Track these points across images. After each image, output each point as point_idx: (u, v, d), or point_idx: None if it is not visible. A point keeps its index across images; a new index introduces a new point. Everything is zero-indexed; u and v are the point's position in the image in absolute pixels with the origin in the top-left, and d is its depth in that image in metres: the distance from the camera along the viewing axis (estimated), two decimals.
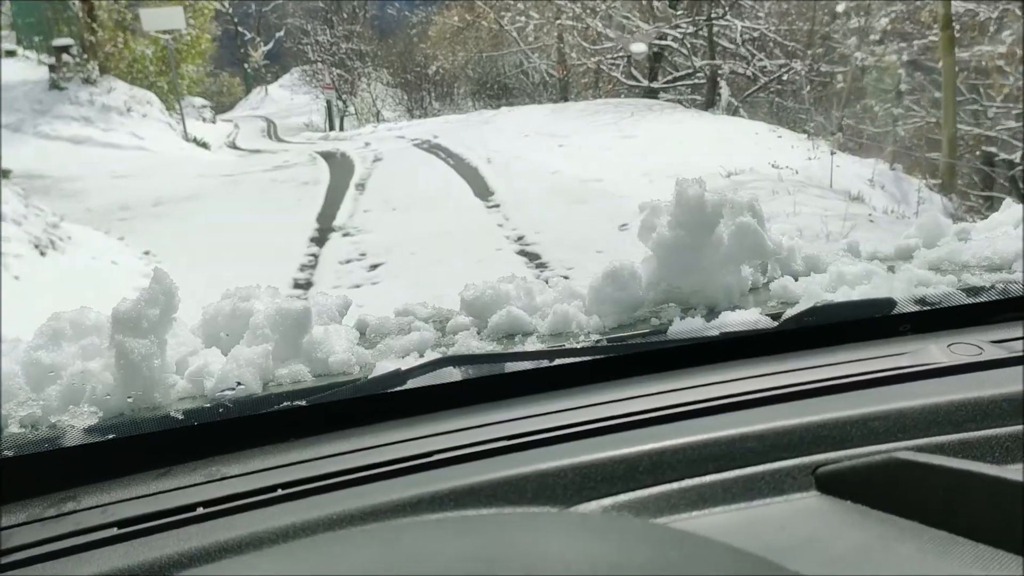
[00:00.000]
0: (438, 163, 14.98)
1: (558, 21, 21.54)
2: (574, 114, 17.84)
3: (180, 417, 0.99)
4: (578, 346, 1.16)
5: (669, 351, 1.13)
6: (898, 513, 0.74)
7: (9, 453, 0.93)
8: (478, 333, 1.27)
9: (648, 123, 15.41)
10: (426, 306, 1.41)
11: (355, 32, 33.88)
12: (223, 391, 1.04)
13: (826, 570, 0.68)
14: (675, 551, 0.53)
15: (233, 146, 27.95)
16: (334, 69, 31.92)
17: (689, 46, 19.42)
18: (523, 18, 26.17)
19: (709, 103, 18.50)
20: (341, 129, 32.49)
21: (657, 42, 18.96)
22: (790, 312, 1.18)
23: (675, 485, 0.83)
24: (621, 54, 21.32)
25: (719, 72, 18.27)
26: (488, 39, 35.27)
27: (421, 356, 1.14)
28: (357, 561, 0.54)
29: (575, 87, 29.32)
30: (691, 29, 18.48)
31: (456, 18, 35.60)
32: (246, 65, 48.12)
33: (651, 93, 21.97)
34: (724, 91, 18.89)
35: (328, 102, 32.88)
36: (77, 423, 0.97)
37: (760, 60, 18.67)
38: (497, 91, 35.12)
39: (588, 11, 20.80)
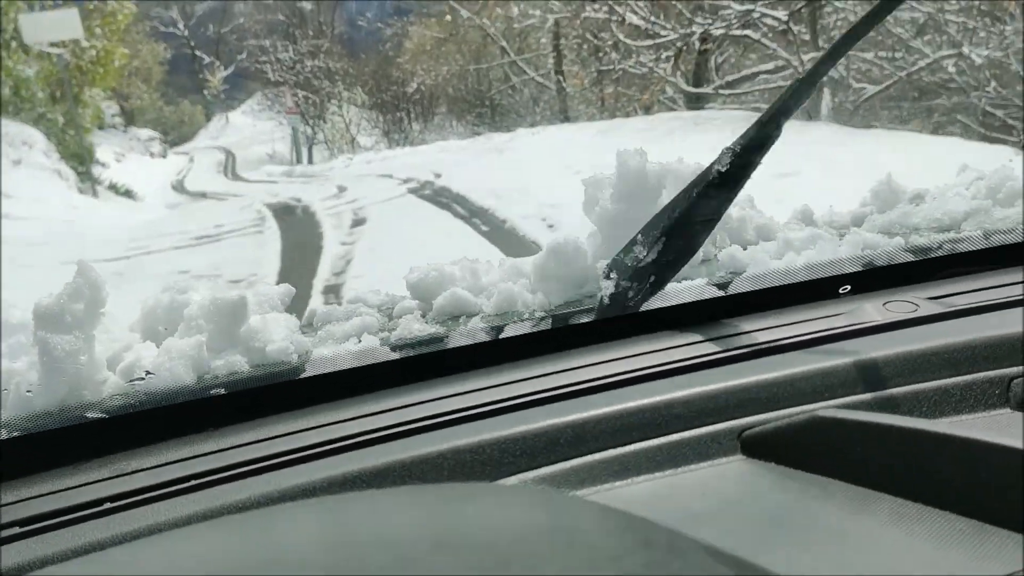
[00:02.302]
0: (459, 229, 9.51)
1: (584, 15, 14.25)
2: (634, 136, 10.96)
3: (91, 411, 0.96)
4: (517, 322, 1.12)
5: (610, 322, 1.10)
6: (822, 472, 0.73)
7: None
8: (423, 316, 1.22)
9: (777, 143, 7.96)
10: (378, 293, 1.34)
11: (322, 48, 26.26)
12: (131, 381, 1.01)
13: (751, 533, 0.66)
14: (588, 521, 0.51)
15: (180, 187, 24.02)
16: (299, 91, 24.22)
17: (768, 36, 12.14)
18: (518, 21, 18.75)
19: (810, 111, 13.08)
20: (309, 161, 25.92)
21: (737, 32, 11.63)
22: (735, 280, 1.15)
23: (597, 456, 0.82)
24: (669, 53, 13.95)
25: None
26: (471, 52, 31.20)
27: (359, 340, 1.11)
28: (268, 540, 0.51)
29: (580, 101, 25.45)
30: (784, 15, 11.33)
31: (436, 28, 31.15)
32: (205, 91, 40.68)
33: (696, 103, 17.44)
34: (826, 95, 13.89)
35: (293, 129, 29.39)
36: None
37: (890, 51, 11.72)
38: (488, 109, 31.15)
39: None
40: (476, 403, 0.92)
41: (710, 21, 13.93)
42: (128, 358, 1.08)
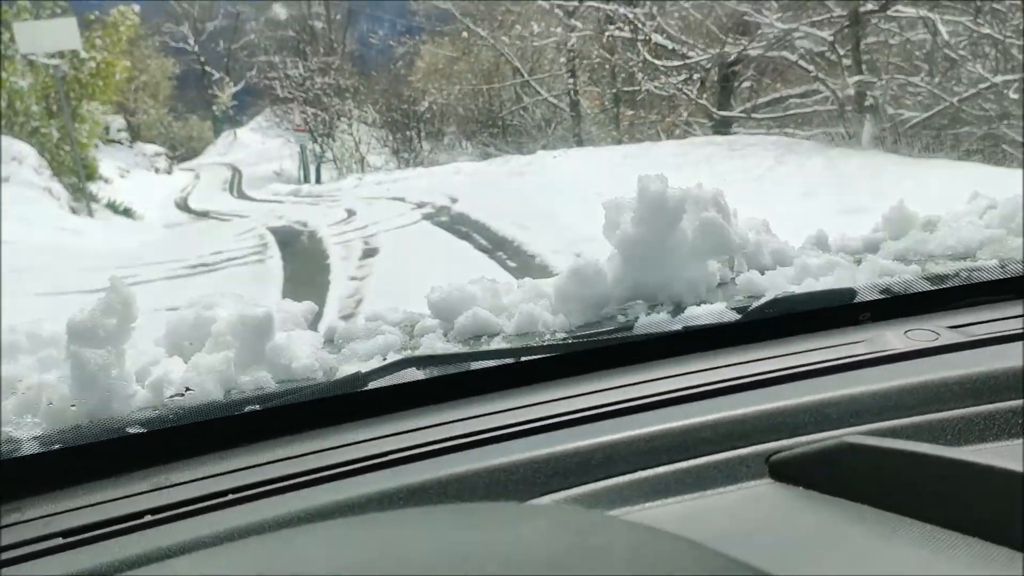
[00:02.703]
0: (482, 263, 8.25)
1: (607, 33, 13.17)
2: (667, 161, 10.42)
3: (129, 425, 0.98)
4: (541, 344, 1.14)
5: (633, 346, 1.12)
6: (849, 497, 0.74)
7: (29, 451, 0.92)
8: (444, 335, 1.25)
9: (825, 174, 9.58)
10: (396, 311, 1.37)
11: (332, 65, 25.20)
12: (172, 397, 1.03)
13: (779, 556, 0.67)
14: (623, 540, 0.52)
15: (183, 205, 23.15)
16: (307, 108, 22.96)
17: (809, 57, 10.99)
18: (533, 41, 17.77)
19: (851, 136, 12.88)
20: (317, 180, 28.81)
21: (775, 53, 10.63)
22: (755, 305, 1.17)
23: (627, 477, 0.83)
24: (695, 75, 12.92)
25: (869, 92, 9.87)
26: (483, 71, 30.16)
27: (384, 359, 1.13)
28: (306, 558, 0.53)
29: (593, 123, 24.54)
30: (829, 34, 10.21)
31: (449, 47, 30.69)
32: (214, 107, 39.86)
33: (720, 127, 16.18)
34: (868, 122, 12.78)
35: (301, 147, 28.26)
36: (23, 435, 0.95)
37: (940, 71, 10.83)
38: (500, 130, 30.19)
39: (648, 17, 12.51)
40: (506, 423, 0.93)
41: (747, 41, 12.85)
42: (156, 372, 1.10)
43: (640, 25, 15.49)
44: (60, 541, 0.79)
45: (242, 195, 24.97)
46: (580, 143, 24.04)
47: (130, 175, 29.85)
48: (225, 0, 45.59)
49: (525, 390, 1.02)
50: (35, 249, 10.12)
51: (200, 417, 0.98)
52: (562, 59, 20.36)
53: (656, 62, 14.95)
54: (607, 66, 18.33)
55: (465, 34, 22.35)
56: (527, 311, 1.23)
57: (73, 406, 0.99)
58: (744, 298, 1.24)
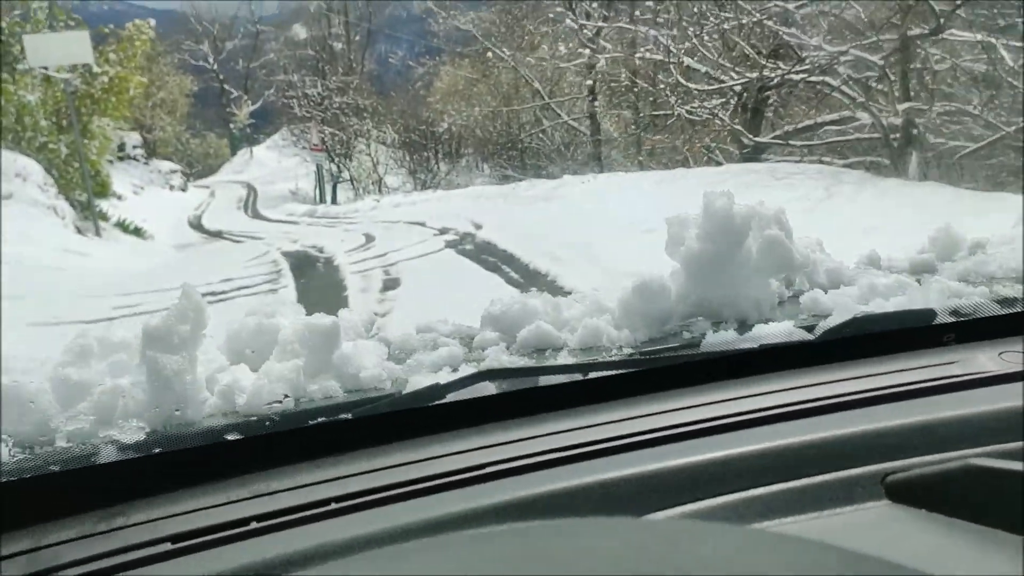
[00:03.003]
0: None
1: (637, 55, 12.34)
2: (703, 189, 7.88)
3: (223, 432, 0.98)
4: (615, 359, 1.15)
5: (706, 363, 1.12)
6: (973, 520, 0.72)
7: (55, 468, 0.91)
8: (507, 348, 1.24)
9: (883, 207, 8.43)
10: (446, 322, 1.38)
11: (351, 85, 24.52)
12: (269, 404, 1.03)
13: None
14: (778, 554, 0.51)
15: (197, 224, 22.56)
16: (325, 127, 22.24)
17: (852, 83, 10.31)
18: (557, 62, 17.20)
19: (896, 166, 11.66)
20: (333, 201, 28.54)
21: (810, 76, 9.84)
22: (826, 324, 1.16)
23: (740, 495, 0.82)
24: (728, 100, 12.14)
25: (917, 120, 9.08)
26: (502, 93, 29.68)
27: (454, 371, 1.13)
28: (434, 572, 0.53)
29: (612, 146, 23.83)
30: (879, 58, 9.37)
31: (469, 68, 30.33)
32: (232, 125, 39.46)
33: (752, 153, 15.10)
34: (915, 150, 11.72)
35: (318, 166, 27.51)
36: (123, 438, 0.96)
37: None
38: (518, 153, 29.57)
39: (680, 39, 11.76)
40: (603, 437, 0.93)
41: (788, 65, 12.07)
42: (225, 379, 1.09)
43: (672, 48, 14.72)
44: (169, 547, 0.79)
45: (257, 214, 24.36)
46: (600, 168, 23.38)
47: (144, 192, 29.31)
48: (245, 19, 45.27)
49: (608, 405, 1.01)
50: (35, 272, 9.39)
51: (290, 425, 0.98)
52: (588, 81, 19.61)
53: (690, 85, 14.16)
54: (635, 89, 17.57)
55: (490, 53, 21.66)
56: (592, 325, 1.23)
57: (140, 412, 1.00)
58: (809, 317, 1.24)
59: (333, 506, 0.83)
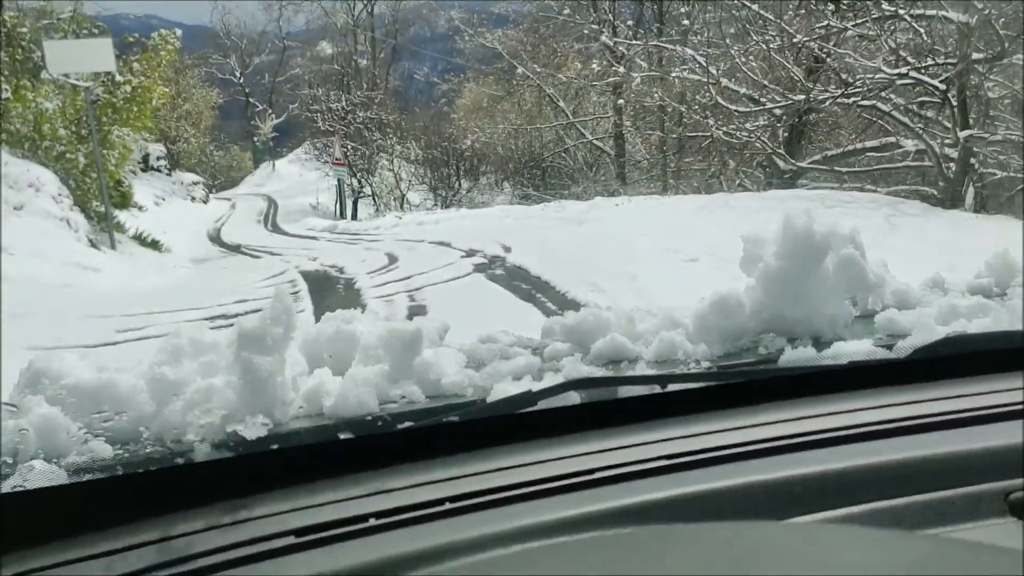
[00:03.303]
0: None
1: (673, 74, 11.57)
2: (749, 216, 10.02)
3: (336, 430, 1.01)
4: (695, 372, 1.17)
5: (791, 378, 1.13)
6: None
7: (180, 461, 0.96)
8: (582, 359, 1.25)
9: (957, 242, 7.60)
10: (507, 333, 1.40)
11: (375, 99, 23.90)
12: (384, 404, 1.07)
13: None
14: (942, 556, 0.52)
15: (216, 237, 22.13)
16: (348, 142, 21.69)
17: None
18: (589, 80, 16.74)
19: (953, 196, 11.03)
20: (354, 216, 24.14)
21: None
22: (908, 343, 1.17)
23: (866, 506, 0.83)
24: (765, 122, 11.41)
25: (973, 150, 8.46)
26: (525, 111, 29.21)
27: (535, 379, 1.14)
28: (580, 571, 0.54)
29: (637, 167, 23.43)
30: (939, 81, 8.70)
31: (494, 86, 29.84)
32: (255, 138, 39.27)
33: (791, 179, 14.52)
34: (971, 179, 11.64)
35: (339, 181, 26.95)
36: (249, 434, 0.98)
37: None
38: (540, 171, 28.87)
39: (718, 59, 11.06)
40: (714, 444, 0.94)
41: (839, 88, 11.36)
42: (310, 383, 1.12)
43: (711, 68, 14.03)
44: (293, 540, 0.80)
45: (276, 228, 23.85)
46: (625, 189, 22.79)
47: (166, 203, 28.91)
48: (273, 34, 45.18)
49: (701, 416, 1.02)
50: (42, 290, 8.77)
51: (402, 426, 1.00)
52: (619, 100, 18.95)
53: (731, 107, 13.46)
54: (667, 109, 16.88)
55: (520, 70, 21.10)
56: (667, 339, 1.24)
57: (251, 407, 1.02)
58: (885, 337, 1.24)
59: (448, 506, 0.84)
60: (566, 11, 23.18)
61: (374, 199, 27.08)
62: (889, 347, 1.16)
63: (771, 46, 12.79)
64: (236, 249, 17.85)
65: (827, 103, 12.19)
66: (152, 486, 0.91)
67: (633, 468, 0.89)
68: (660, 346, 1.23)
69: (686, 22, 15.39)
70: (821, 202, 10.78)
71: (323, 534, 0.80)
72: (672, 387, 1.09)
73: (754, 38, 13.98)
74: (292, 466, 0.93)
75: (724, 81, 14.14)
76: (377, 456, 0.93)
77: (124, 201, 22.61)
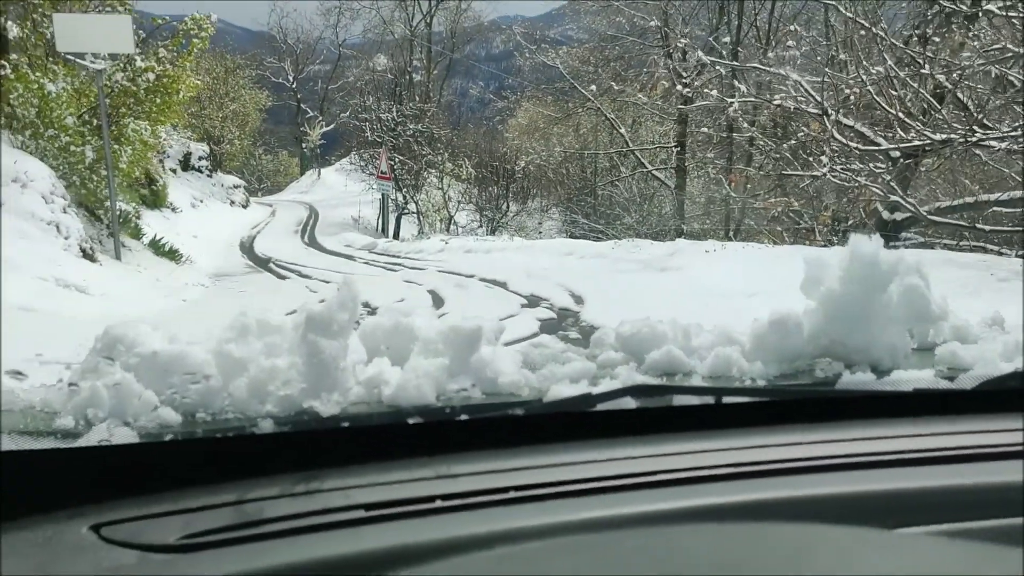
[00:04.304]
0: None
1: (776, 102, 8.62)
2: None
3: (406, 415, 1.04)
4: (757, 387, 1.18)
5: (851, 401, 1.13)
6: None
7: (254, 430, 0.98)
8: (636, 368, 1.25)
9: None
10: (556, 340, 1.47)
11: (427, 112, 21.39)
12: (459, 391, 1.11)
13: None
14: None
15: (247, 248, 19.93)
16: (396, 155, 19.02)
17: None
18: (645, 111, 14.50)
19: None
20: (396, 235, 22.57)
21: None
22: (974, 375, 1.16)
23: (976, 524, 0.84)
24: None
25: None
26: (579, 135, 27.26)
27: (592, 384, 1.15)
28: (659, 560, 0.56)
29: (700, 207, 20.49)
30: None
31: (552, 107, 26.90)
32: (303, 145, 37.47)
33: (893, 230, 11.80)
34: None
35: (384, 196, 24.28)
36: (324, 410, 1.02)
37: None
38: (592, 200, 26.14)
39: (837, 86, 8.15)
40: (778, 457, 0.95)
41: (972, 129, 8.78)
42: (370, 371, 1.13)
43: (819, 97, 11.47)
44: (362, 513, 0.82)
45: (313, 241, 21.79)
46: (682, 232, 20.19)
47: (203, 205, 26.84)
48: (330, 41, 43.55)
49: (776, 429, 1.02)
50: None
51: (471, 415, 1.02)
52: (695, 129, 16.50)
53: (848, 143, 10.91)
54: (753, 142, 14.38)
55: (593, 87, 18.74)
56: (723, 355, 1.23)
57: (314, 389, 1.04)
58: (946, 369, 1.23)
59: (512, 494, 0.85)
60: (641, 29, 20.91)
61: (418, 217, 24.90)
62: (951, 379, 1.16)
63: (891, 76, 10.25)
64: (265, 264, 15.77)
65: (960, 144, 9.58)
66: (227, 452, 0.94)
67: (696, 473, 0.90)
68: (715, 361, 1.23)
69: (792, 44, 12.84)
70: (986, 270, 8.18)
71: (392, 510, 0.82)
72: (730, 399, 1.10)
73: (871, 68, 11.40)
74: (362, 444, 0.95)
75: (834, 114, 11.53)
76: (442, 442, 0.96)
77: (157, 201, 20.64)
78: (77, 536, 0.77)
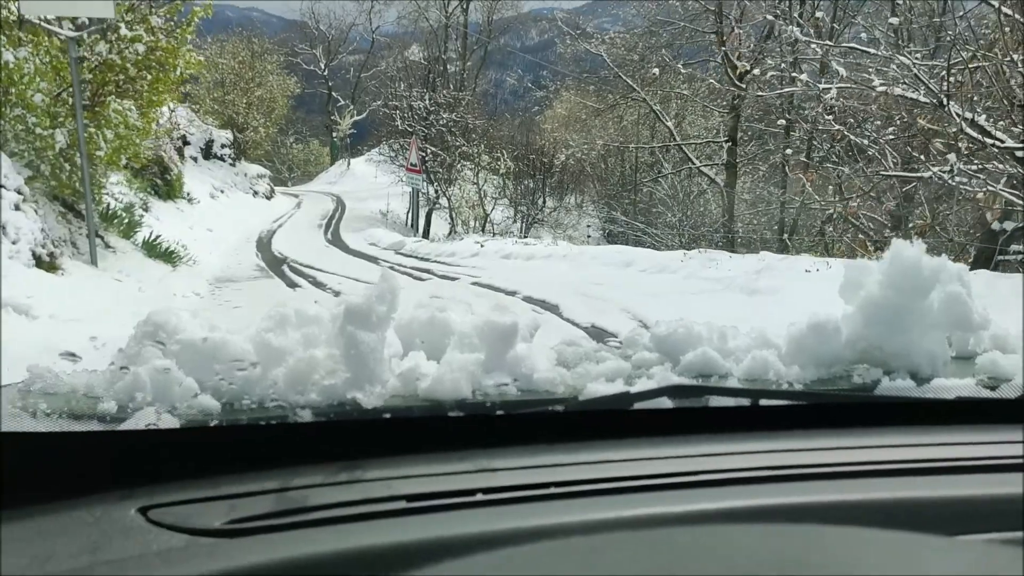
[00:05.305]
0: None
1: (880, 87, 5.80)
2: None
3: (446, 408, 1.03)
4: (796, 391, 1.16)
5: (891, 406, 1.12)
6: None
7: (297, 419, 0.98)
8: (671, 368, 1.24)
9: None
10: (588, 339, 1.47)
11: (462, 100, 18.83)
12: (500, 385, 1.09)
13: None
14: None
15: (264, 245, 17.25)
16: (427, 145, 16.25)
17: None
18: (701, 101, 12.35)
19: None
20: (426, 233, 19.75)
21: None
22: (1017, 384, 1.15)
23: (997, 536, 0.84)
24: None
25: None
26: (621, 128, 24.99)
27: (627, 384, 1.14)
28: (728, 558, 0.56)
29: (745, 201, 18.58)
30: None
31: (594, 99, 24.39)
32: (334, 134, 35.42)
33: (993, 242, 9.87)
34: None
35: (414, 190, 22.03)
36: (367, 402, 1.00)
37: None
38: (632, 196, 24.03)
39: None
40: (820, 461, 0.95)
41: None
42: (406, 364, 1.13)
43: (933, 86, 9.15)
44: (404, 504, 0.81)
45: (336, 238, 19.86)
46: (730, 230, 17.81)
47: (224, 196, 24.83)
48: (363, 27, 41.57)
49: (815, 433, 1.01)
50: None
51: (511, 410, 1.02)
52: (784, 117, 14.17)
53: (983, 139, 8.56)
54: (838, 138, 12.03)
55: (655, 70, 16.48)
56: (760, 357, 1.20)
57: (351, 381, 1.04)
58: (986, 378, 1.18)
59: (553, 490, 0.84)
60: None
61: (451, 214, 22.69)
62: (992, 388, 1.14)
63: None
64: (278, 266, 13.81)
65: None
66: (269, 439, 0.94)
67: (735, 475, 0.90)
68: (752, 364, 1.20)
69: (894, 20, 10.45)
70: None
71: (434, 502, 0.81)
72: (767, 402, 1.09)
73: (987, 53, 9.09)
74: (402, 436, 0.95)
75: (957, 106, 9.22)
76: (481, 436, 0.95)
77: (171, 192, 18.82)
78: (126, 518, 0.78)
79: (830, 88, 10.70)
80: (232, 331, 1.10)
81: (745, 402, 1.05)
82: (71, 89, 9.26)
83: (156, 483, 0.82)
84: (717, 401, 1.06)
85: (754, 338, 1.26)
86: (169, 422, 0.91)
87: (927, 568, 0.51)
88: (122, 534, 0.74)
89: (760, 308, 8.46)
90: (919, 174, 11.42)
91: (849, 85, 11.29)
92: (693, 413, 1.05)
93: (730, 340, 1.25)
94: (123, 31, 9.87)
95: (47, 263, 8.03)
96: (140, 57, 10.13)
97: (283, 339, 1.06)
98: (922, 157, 11.28)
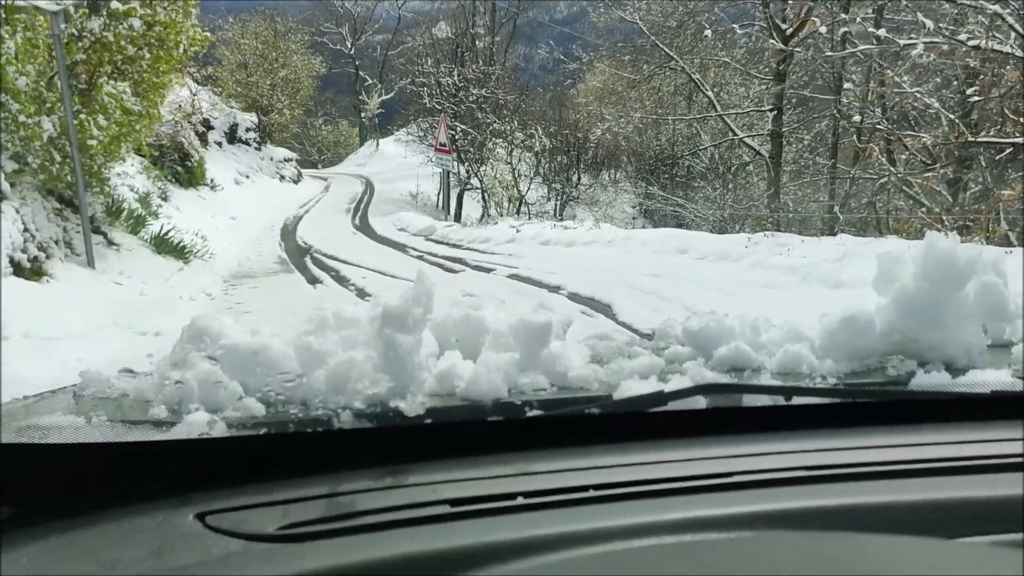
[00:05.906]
0: None
1: (972, 43, 3.79)
2: None
3: (484, 412, 1.05)
4: (830, 387, 1.16)
5: (926, 403, 1.10)
6: None
7: (340, 425, 0.99)
8: (704, 363, 1.25)
9: None
10: (621, 331, 1.51)
11: (492, 75, 17.16)
12: (536, 391, 1.11)
13: None
14: None
15: (289, 232, 16.30)
16: (457, 124, 14.67)
17: None
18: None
19: None
20: (457, 217, 21.55)
21: None
22: None
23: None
24: None
25: None
26: (658, 99, 23.38)
27: (661, 380, 1.15)
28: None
29: (794, 179, 17.93)
30: None
31: (629, 69, 22.73)
32: (362, 114, 34.11)
33: None
34: None
35: (444, 171, 20.78)
36: (408, 409, 1.00)
37: None
38: (671, 171, 23.03)
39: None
40: (852, 460, 0.94)
41: None
42: (443, 364, 1.14)
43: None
44: (448, 509, 0.82)
45: (364, 224, 18.83)
46: (776, 201, 17.22)
47: (249, 181, 23.84)
48: (389, 4, 40.07)
49: (850, 431, 0.99)
50: None
51: (549, 412, 1.03)
52: (859, 86, 12.67)
53: None
54: (916, 115, 10.53)
55: (708, 32, 15.07)
56: (793, 352, 1.20)
57: (390, 383, 1.04)
58: (1022, 369, 1.19)
59: (592, 493, 0.85)
60: None
61: (483, 196, 21.40)
62: None
63: None
64: (301, 257, 12.74)
65: None
66: (315, 445, 0.96)
67: (772, 476, 0.90)
68: (785, 358, 1.21)
69: None
70: None
71: (476, 507, 0.82)
72: (800, 400, 1.09)
73: None
74: (442, 440, 0.96)
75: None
76: (518, 439, 0.96)
77: (192, 179, 17.88)
78: (185, 523, 0.80)
79: (915, 43, 9.21)
80: (274, 334, 1.10)
81: (780, 400, 1.04)
82: (74, 74, 8.35)
83: (211, 489, 0.84)
84: (751, 399, 1.06)
85: (786, 331, 1.26)
86: (219, 428, 0.92)
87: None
88: (183, 540, 0.76)
89: (840, 299, 7.13)
90: (1013, 139, 9.91)
91: (937, 39, 9.78)
92: (727, 412, 1.06)
93: (762, 333, 1.25)
94: (115, 4, 8.77)
95: (28, 269, 7.09)
96: (137, 34, 9.07)
97: (323, 342, 1.07)
98: (1022, 120, 9.74)
